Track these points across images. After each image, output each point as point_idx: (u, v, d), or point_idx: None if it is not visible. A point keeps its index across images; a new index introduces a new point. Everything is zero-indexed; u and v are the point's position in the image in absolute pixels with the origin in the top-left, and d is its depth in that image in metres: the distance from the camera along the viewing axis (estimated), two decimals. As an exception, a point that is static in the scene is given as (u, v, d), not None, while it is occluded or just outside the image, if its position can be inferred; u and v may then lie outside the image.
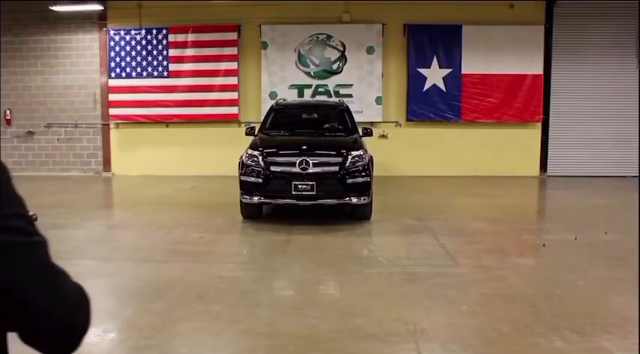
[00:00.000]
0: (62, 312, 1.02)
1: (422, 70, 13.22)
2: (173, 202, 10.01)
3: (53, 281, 1.02)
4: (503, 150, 13.29)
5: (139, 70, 13.47)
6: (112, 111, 13.54)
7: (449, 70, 13.17)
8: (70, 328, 1.04)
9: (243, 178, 7.92)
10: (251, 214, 8.19)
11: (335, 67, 13.33)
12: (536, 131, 13.50)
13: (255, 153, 8.00)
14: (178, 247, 6.80)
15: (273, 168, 7.83)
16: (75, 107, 13.82)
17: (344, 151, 8.00)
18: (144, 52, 13.47)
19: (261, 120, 9.85)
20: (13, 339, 1.02)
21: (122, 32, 13.47)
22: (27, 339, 1.02)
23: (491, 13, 13.00)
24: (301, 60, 13.34)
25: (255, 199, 7.85)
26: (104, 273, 5.71)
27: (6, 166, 1.07)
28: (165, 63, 13.43)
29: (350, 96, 13.06)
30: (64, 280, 1.04)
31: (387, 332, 4.21)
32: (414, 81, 13.25)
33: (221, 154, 12.35)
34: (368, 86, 13.29)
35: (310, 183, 7.67)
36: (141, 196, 10.57)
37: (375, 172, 8.49)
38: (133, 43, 13.49)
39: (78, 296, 1.06)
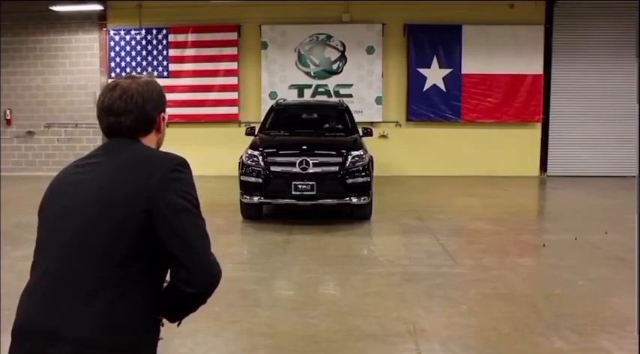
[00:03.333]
0: (206, 261, 1.62)
1: (422, 70, 13.21)
2: (173, 202, 9.99)
3: (206, 242, 1.64)
4: (503, 150, 13.27)
5: (139, 70, 13.46)
6: (112, 111, 13.52)
7: (449, 70, 13.16)
8: (208, 275, 1.63)
9: (243, 178, 7.92)
10: (251, 214, 8.19)
11: (335, 67, 13.32)
12: (536, 131, 13.49)
13: (255, 153, 8.00)
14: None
15: (273, 168, 7.83)
16: (75, 107, 13.81)
17: (344, 151, 8.00)
18: (144, 52, 13.47)
19: (261, 120, 9.85)
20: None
21: (122, 32, 13.46)
22: (177, 275, 1.61)
23: (491, 13, 12.99)
24: (301, 60, 13.34)
25: (255, 199, 7.85)
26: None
27: (187, 162, 1.70)
28: (165, 63, 13.43)
29: (350, 96, 13.05)
30: (210, 249, 1.65)
31: (386, 332, 4.21)
32: (414, 81, 13.24)
33: (221, 154, 12.34)
34: (368, 86, 13.28)
35: (310, 183, 7.67)
36: (141, 196, 10.55)
37: (375, 172, 8.49)
38: (133, 43, 13.49)
39: (216, 261, 1.66)
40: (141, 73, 13.37)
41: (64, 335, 1.50)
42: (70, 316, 1.51)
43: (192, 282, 1.62)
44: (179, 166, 1.65)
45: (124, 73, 13.49)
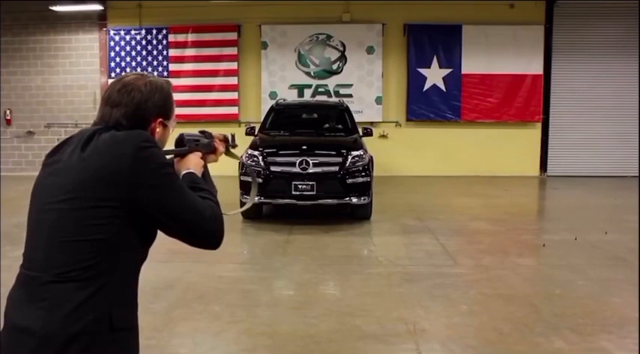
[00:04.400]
0: (200, 224, 1.65)
1: (422, 70, 13.21)
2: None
3: (191, 206, 1.63)
4: (503, 150, 13.28)
5: (139, 70, 13.46)
6: (112, 111, 13.53)
7: (449, 70, 13.16)
8: (207, 234, 1.69)
9: (243, 178, 7.92)
10: (251, 214, 8.19)
11: (335, 67, 13.32)
12: (536, 131, 13.50)
13: (255, 153, 8.00)
14: (178, 247, 6.75)
15: (273, 168, 7.83)
16: (75, 107, 13.81)
17: (344, 151, 8.00)
18: (144, 52, 13.47)
19: (261, 120, 9.85)
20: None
21: (122, 32, 13.46)
22: (183, 241, 1.71)
23: (491, 13, 12.99)
24: (301, 60, 13.34)
25: (255, 199, 7.85)
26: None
27: (150, 136, 1.67)
28: (165, 63, 13.44)
29: (350, 96, 13.05)
30: (198, 206, 1.65)
31: (386, 332, 4.21)
32: (414, 81, 13.24)
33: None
34: (368, 86, 13.29)
35: (310, 183, 7.67)
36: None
37: (375, 172, 8.49)
38: (133, 43, 13.49)
39: (211, 215, 1.68)
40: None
41: (33, 330, 1.51)
42: (42, 313, 1.51)
43: (198, 244, 1.71)
44: (144, 142, 1.60)
45: (123, 73, 13.48)
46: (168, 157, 1.75)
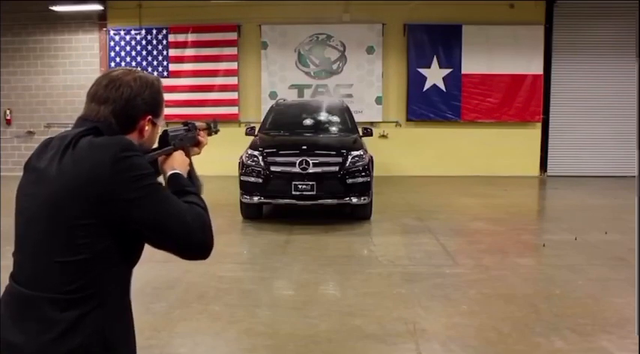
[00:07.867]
0: (186, 236, 1.51)
1: (422, 70, 13.21)
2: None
3: (175, 217, 1.50)
4: (503, 150, 13.27)
5: (139, 70, 13.46)
6: (112, 111, 13.52)
7: (449, 70, 13.16)
8: (194, 246, 1.54)
9: (244, 178, 7.93)
10: (251, 214, 8.19)
11: (335, 67, 13.32)
12: (536, 131, 13.50)
13: (255, 153, 8.00)
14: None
15: (273, 168, 7.83)
16: (75, 107, 13.79)
17: (344, 151, 8.00)
18: (144, 52, 13.47)
19: (261, 120, 9.85)
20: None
21: (122, 32, 13.46)
22: (167, 248, 1.54)
23: (491, 13, 12.99)
24: (301, 60, 13.34)
25: (255, 199, 7.85)
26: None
27: (131, 143, 1.55)
28: (165, 63, 13.43)
29: (350, 96, 13.04)
30: (183, 216, 1.51)
31: (387, 332, 4.21)
32: (414, 81, 13.24)
33: (221, 154, 12.31)
34: (368, 86, 13.29)
35: (310, 183, 7.67)
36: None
37: (375, 172, 8.49)
38: (133, 43, 13.49)
39: (198, 226, 1.54)
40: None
41: (23, 349, 1.46)
42: (31, 334, 1.46)
43: (186, 256, 1.57)
44: (123, 152, 1.48)
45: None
46: (151, 155, 1.69)
